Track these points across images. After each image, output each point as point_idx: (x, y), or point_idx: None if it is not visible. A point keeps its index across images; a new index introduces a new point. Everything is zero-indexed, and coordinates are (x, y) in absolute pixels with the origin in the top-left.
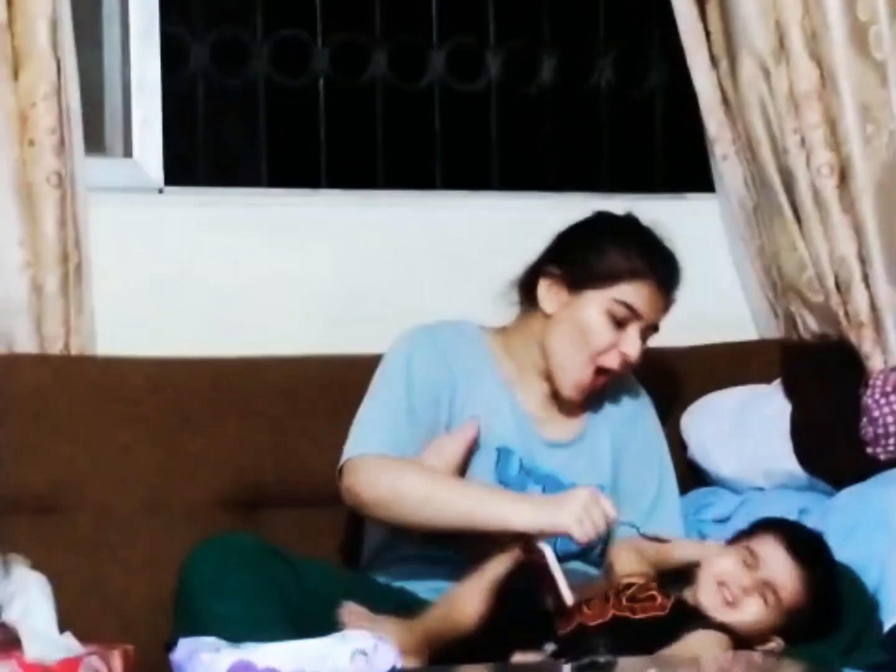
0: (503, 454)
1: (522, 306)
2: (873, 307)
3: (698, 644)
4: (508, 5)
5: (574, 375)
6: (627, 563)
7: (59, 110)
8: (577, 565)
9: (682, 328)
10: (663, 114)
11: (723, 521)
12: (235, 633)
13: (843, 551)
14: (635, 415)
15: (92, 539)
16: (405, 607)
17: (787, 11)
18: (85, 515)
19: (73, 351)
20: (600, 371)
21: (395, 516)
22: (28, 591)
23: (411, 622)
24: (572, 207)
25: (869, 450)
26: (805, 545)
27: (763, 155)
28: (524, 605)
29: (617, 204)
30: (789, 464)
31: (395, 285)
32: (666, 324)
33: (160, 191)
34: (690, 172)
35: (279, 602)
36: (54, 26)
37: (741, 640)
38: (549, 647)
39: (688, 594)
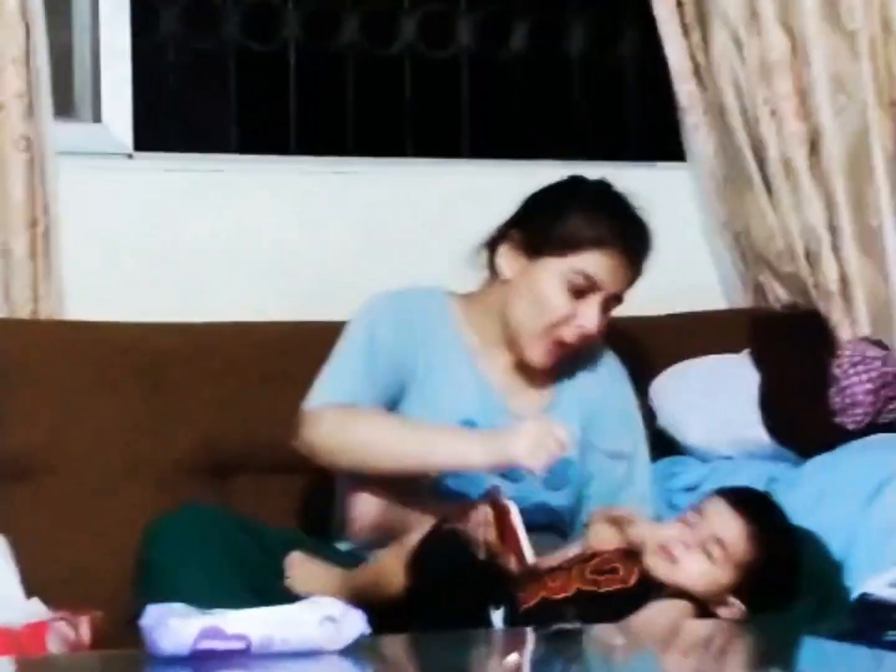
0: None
1: (490, 272)
2: (842, 277)
3: (658, 612)
4: None
5: (532, 346)
6: (603, 535)
7: (27, 74)
8: (552, 539)
9: (651, 297)
10: (635, 82)
11: (691, 489)
12: (199, 606)
13: (811, 520)
14: (609, 383)
15: (61, 504)
16: None
17: None
18: (54, 480)
19: (42, 316)
20: (558, 343)
21: (352, 464)
22: None
23: (345, 576)
24: (543, 175)
25: (837, 419)
26: (751, 501)
27: (734, 125)
28: (468, 570)
29: (587, 171)
30: (758, 433)
31: (365, 251)
32: (635, 293)
33: (130, 156)
34: (661, 141)
35: (243, 576)
36: None
37: (704, 608)
38: (498, 614)
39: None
